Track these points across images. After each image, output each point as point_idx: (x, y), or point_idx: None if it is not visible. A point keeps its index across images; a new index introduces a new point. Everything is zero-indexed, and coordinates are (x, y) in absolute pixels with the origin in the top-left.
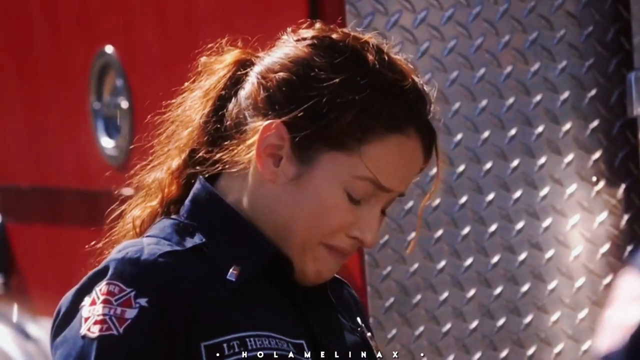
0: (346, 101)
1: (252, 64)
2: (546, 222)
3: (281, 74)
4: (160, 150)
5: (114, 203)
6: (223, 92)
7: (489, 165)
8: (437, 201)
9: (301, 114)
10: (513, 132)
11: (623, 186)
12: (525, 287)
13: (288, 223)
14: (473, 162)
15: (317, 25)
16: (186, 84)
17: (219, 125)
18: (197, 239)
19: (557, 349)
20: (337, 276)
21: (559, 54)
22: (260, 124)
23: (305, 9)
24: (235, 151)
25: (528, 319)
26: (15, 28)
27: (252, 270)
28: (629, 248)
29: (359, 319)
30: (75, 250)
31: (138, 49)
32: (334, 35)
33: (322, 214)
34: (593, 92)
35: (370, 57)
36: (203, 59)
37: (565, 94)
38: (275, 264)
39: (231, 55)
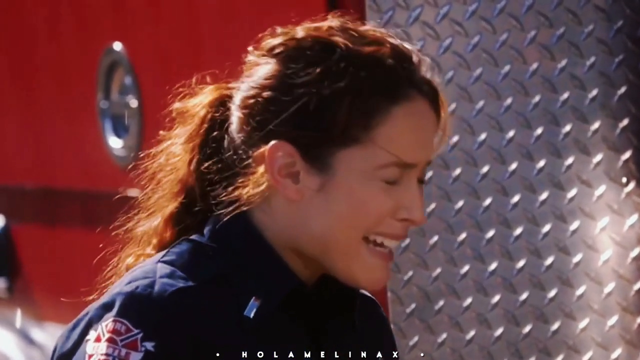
0: (335, 93)
1: (230, 97)
2: (574, 225)
3: (263, 94)
4: (147, 201)
5: (121, 205)
6: (208, 136)
7: (514, 165)
8: (460, 203)
9: (298, 125)
10: (539, 131)
11: None
12: (552, 293)
13: (326, 233)
14: (497, 163)
15: (278, 29)
16: (161, 132)
17: (219, 166)
18: (217, 267)
19: (585, 357)
20: (369, 296)
21: (587, 49)
22: (263, 149)
23: (323, 3)
24: (247, 187)
25: (555, 326)
26: (20, 25)
27: (273, 302)
28: None
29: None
30: (81, 253)
31: (147, 45)
32: (298, 35)
33: (360, 211)
34: (623, 89)
35: (340, 40)
36: (176, 105)
37: (594, 92)
38: (297, 294)
39: (205, 95)
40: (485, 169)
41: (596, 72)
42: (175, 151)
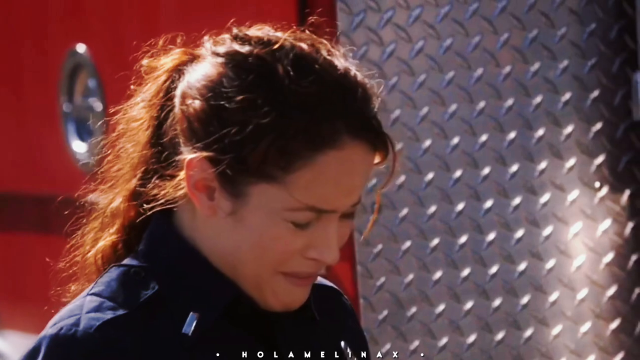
0: (260, 128)
1: (183, 73)
2: (547, 231)
3: (196, 102)
4: (110, 169)
5: (83, 211)
6: (160, 113)
7: (487, 170)
8: (433, 208)
9: (220, 147)
10: (512, 135)
11: (627, 192)
12: (525, 299)
13: (235, 258)
14: (470, 167)
15: (234, 30)
16: (132, 86)
17: (158, 149)
18: (149, 289)
19: None
20: (330, 285)
21: (560, 53)
22: (185, 157)
23: (294, 6)
24: (167, 188)
25: (528, 332)
26: None
27: (212, 314)
28: (634, 257)
29: (343, 343)
30: (42, 260)
31: (111, 47)
32: (244, 49)
33: (267, 247)
34: (596, 93)
35: (280, 70)
36: (144, 62)
37: (567, 95)
38: (239, 302)
39: (171, 59)
40: (457, 173)
41: (569, 75)
42: (136, 115)
